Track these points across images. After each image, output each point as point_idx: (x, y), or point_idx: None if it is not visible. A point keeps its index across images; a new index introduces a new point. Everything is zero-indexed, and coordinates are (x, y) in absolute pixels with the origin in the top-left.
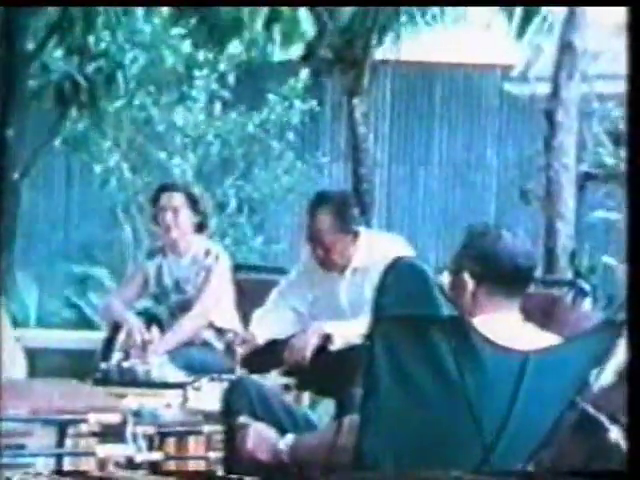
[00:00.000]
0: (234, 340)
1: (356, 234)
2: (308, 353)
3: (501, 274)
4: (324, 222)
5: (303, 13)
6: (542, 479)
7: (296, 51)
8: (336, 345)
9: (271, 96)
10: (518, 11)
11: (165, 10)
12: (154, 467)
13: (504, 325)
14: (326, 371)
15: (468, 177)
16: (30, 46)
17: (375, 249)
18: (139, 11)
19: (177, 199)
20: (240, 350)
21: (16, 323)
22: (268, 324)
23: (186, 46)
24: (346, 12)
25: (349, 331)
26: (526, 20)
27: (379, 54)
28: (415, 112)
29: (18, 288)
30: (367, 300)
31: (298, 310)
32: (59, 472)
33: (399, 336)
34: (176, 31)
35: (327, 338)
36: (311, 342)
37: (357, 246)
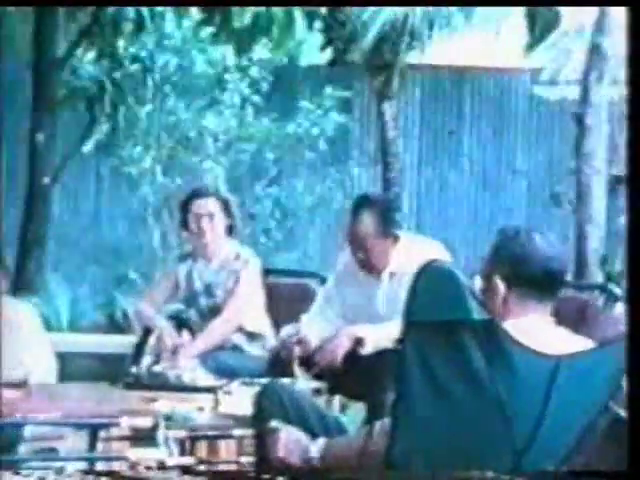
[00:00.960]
0: (290, 340)
1: (396, 238)
2: (339, 357)
3: (532, 278)
4: (367, 224)
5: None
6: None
7: (326, 56)
8: (368, 349)
9: (303, 103)
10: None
11: (194, 13)
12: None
13: (536, 329)
14: (357, 375)
15: (498, 181)
16: (60, 51)
17: (413, 254)
18: (169, 14)
19: (211, 205)
20: (297, 350)
21: (48, 327)
22: (317, 328)
23: (216, 50)
24: (376, 17)
25: (381, 335)
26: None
27: (409, 58)
28: (445, 116)
29: (50, 292)
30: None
31: (342, 314)
32: (91, 472)
33: (431, 340)
34: (205, 34)
35: (359, 342)
36: (343, 345)
37: (396, 250)
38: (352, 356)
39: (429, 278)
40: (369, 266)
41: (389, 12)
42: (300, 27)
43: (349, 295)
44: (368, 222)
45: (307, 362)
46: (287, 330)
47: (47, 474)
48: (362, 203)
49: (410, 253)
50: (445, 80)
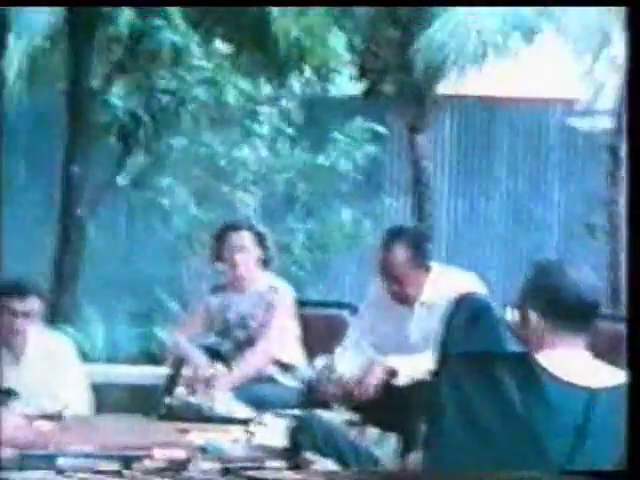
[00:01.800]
0: (325, 377)
1: (428, 268)
2: (373, 389)
3: (566, 309)
4: (400, 255)
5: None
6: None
7: (359, 87)
8: (401, 380)
9: (336, 135)
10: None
11: (224, 48)
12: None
13: (570, 361)
14: (391, 406)
15: (531, 211)
16: (95, 83)
17: (445, 284)
18: (197, 49)
19: (245, 238)
20: (331, 387)
21: (84, 358)
22: (350, 359)
23: (246, 82)
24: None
25: (414, 366)
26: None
27: (442, 89)
28: (477, 146)
29: (86, 323)
30: (435, 336)
31: (374, 344)
32: None
33: (465, 372)
34: (237, 66)
35: (392, 373)
36: (376, 377)
37: (428, 280)
38: (386, 387)
39: (465, 310)
40: (402, 297)
41: (424, 43)
42: (334, 58)
43: (381, 325)
44: (400, 253)
45: (341, 395)
46: (321, 362)
47: None
48: (394, 234)
49: (442, 283)
50: (478, 111)
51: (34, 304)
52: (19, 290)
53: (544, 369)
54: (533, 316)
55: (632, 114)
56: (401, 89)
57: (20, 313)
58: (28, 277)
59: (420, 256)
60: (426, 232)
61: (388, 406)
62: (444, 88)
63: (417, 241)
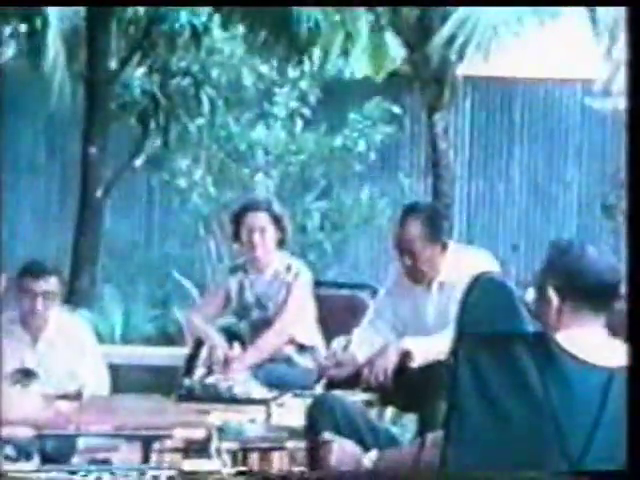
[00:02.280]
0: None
1: (445, 245)
2: (388, 373)
3: (586, 289)
4: (414, 230)
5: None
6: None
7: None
8: (416, 362)
9: (352, 115)
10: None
11: (241, 30)
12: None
13: (589, 341)
14: (409, 387)
15: (549, 192)
16: (113, 65)
17: (462, 263)
18: (217, 29)
19: (263, 219)
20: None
21: (101, 339)
22: (368, 340)
23: (264, 64)
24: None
25: (429, 347)
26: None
27: (459, 70)
28: (495, 127)
29: (103, 305)
30: (452, 316)
31: (393, 326)
32: None
33: (483, 352)
34: (254, 48)
35: (407, 355)
36: (391, 361)
37: (445, 258)
38: (403, 369)
39: (482, 290)
40: (417, 273)
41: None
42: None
43: (399, 307)
44: (415, 227)
45: (356, 378)
46: (338, 342)
47: None
48: (410, 209)
49: (459, 262)
50: (496, 91)
51: (54, 285)
52: (38, 271)
53: (563, 349)
54: (552, 296)
55: (632, 115)
56: (419, 69)
57: (40, 294)
58: (47, 258)
59: (435, 232)
60: (442, 209)
61: (406, 386)
62: (462, 68)
63: (433, 217)
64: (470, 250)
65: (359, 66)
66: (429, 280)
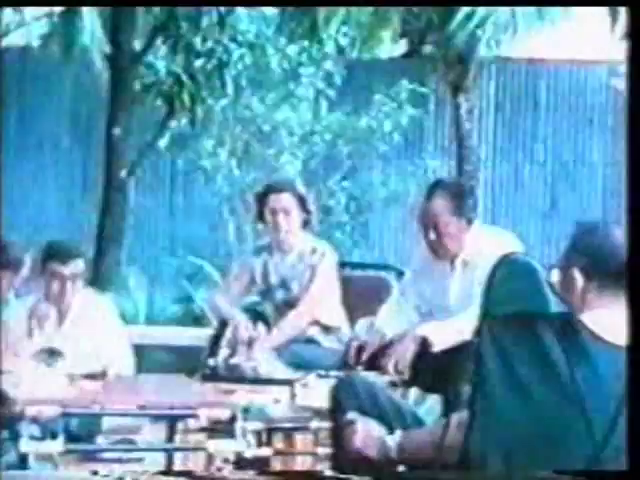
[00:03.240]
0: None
1: (470, 221)
2: (407, 362)
3: (611, 270)
4: (440, 204)
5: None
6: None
7: (401, 48)
8: (435, 348)
9: (378, 96)
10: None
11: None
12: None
13: (614, 322)
14: (433, 368)
15: (574, 173)
16: (137, 46)
17: (485, 242)
18: (241, 11)
19: (287, 200)
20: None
21: (126, 320)
22: (393, 321)
23: (290, 44)
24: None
25: (448, 332)
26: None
27: (484, 51)
28: (520, 108)
29: (128, 285)
30: (474, 296)
31: (418, 308)
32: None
33: (508, 333)
34: (280, 29)
35: (425, 342)
36: (409, 351)
37: (469, 236)
38: (422, 355)
39: (507, 270)
40: (441, 249)
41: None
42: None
43: (424, 287)
44: (441, 201)
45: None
46: (362, 324)
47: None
48: (436, 185)
49: (483, 242)
50: (521, 73)
51: (79, 267)
52: (63, 254)
53: (588, 329)
54: (577, 277)
55: (633, 114)
56: (443, 50)
57: (66, 277)
58: (72, 240)
59: (461, 206)
60: (467, 186)
61: (431, 367)
62: (487, 49)
63: (459, 192)
64: (493, 230)
65: (384, 46)
66: (452, 257)
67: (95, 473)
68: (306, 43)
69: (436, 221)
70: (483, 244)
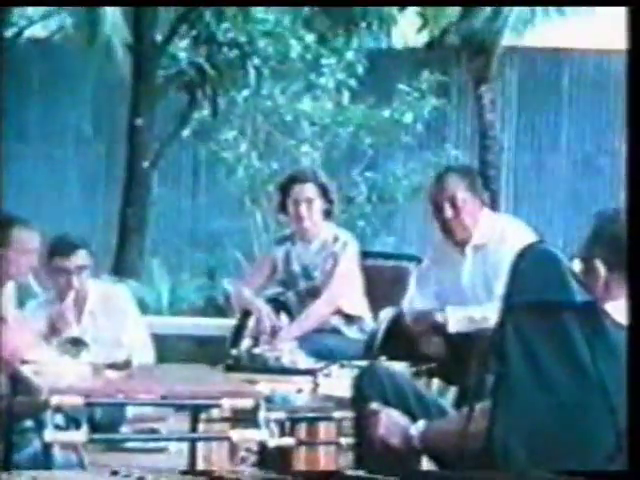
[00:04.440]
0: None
1: (483, 201)
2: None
3: None
4: (454, 182)
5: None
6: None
7: (422, 39)
8: (452, 329)
9: (400, 87)
10: None
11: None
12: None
13: None
14: (456, 357)
15: (596, 163)
16: (159, 37)
17: (496, 228)
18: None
19: (310, 190)
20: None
21: (149, 310)
22: (417, 308)
23: (311, 36)
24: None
25: (462, 315)
26: None
27: (506, 41)
28: (543, 98)
29: (151, 275)
30: (488, 282)
31: (437, 294)
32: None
33: (531, 322)
34: (300, 19)
35: (441, 326)
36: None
37: (482, 218)
38: (450, 338)
39: (531, 259)
40: (458, 226)
41: None
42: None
43: (440, 273)
44: (454, 180)
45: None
46: (386, 313)
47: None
48: (446, 169)
49: (493, 227)
50: (543, 62)
51: (83, 258)
52: (67, 247)
53: (612, 319)
54: (599, 267)
55: (633, 115)
56: (466, 40)
57: (72, 270)
58: (95, 230)
59: (473, 184)
60: (477, 170)
61: (453, 357)
62: (509, 39)
63: (469, 172)
64: (503, 217)
65: (406, 36)
66: (466, 240)
67: (115, 473)
68: (327, 33)
69: (453, 196)
70: (494, 229)
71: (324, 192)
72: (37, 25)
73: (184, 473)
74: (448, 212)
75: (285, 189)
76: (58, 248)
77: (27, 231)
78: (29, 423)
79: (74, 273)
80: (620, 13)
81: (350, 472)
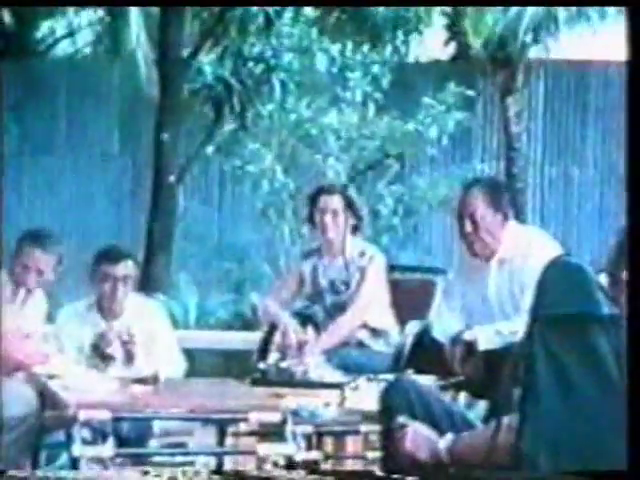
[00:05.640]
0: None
1: (506, 216)
2: (456, 366)
3: None
4: (476, 197)
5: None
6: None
7: (448, 51)
8: (481, 347)
9: (425, 100)
10: None
11: (310, 12)
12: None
13: None
14: (484, 371)
15: (623, 176)
16: (185, 52)
17: (522, 241)
18: (288, 13)
19: (336, 202)
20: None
21: (176, 324)
22: (445, 322)
23: (336, 48)
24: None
25: (491, 333)
26: None
27: (533, 53)
28: (569, 111)
29: (178, 289)
30: (515, 296)
31: (463, 308)
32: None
33: (559, 334)
34: (326, 33)
35: (471, 344)
36: (457, 355)
37: (506, 232)
38: (476, 353)
39: (559, 271)
40: (477, 242)
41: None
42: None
43: (466, 286)
44: (477, 194)
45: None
46: (412, 327)
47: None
48: (472, 181)
49: (518, 239)
50: (569, 75)
51: (131, 268)
52: (115, 256)
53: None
54: (625, 280)
55: (633, 112)
56: (492, 53)
57: (119, 278)
58: (122, 244)
59: (496, 200)
60: (504, 183)
61: (481, 370)
62: (535, 52)
63: (494, 186)
64: (529, 229)
65: (432, 49)
66: (489, 254)
67: (146, 473)
68: (353, 47)
69: (472, 212)
70: (519, 241)
71: (351, 206)
72: (65, 41)
73: (215, 473)
74: (468, 227)
75: (313, 200)
76: (106, 255)
77: (43, 253)
78: (57, 437)
79: (120, 281)
80: None
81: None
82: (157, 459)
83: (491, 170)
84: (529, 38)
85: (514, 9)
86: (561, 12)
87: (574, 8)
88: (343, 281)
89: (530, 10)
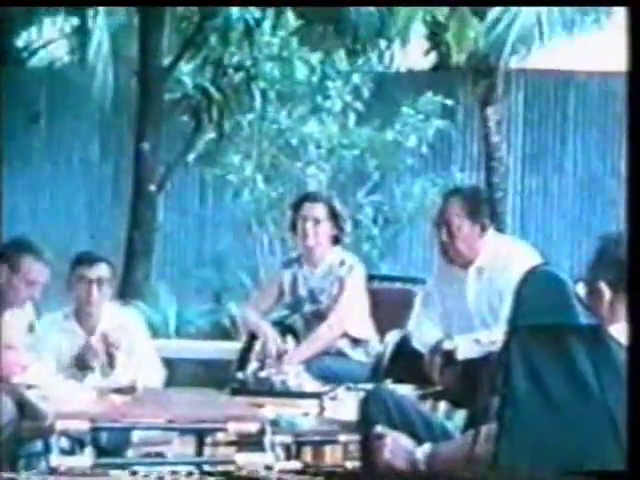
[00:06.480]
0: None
1: (484, 227)
2: (436, 375)
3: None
4: (454, 207)
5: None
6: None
7: (429, 61)
8: (460, 356)
9: (405, 109)
10: None
11: (291, 22)
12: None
13: None
14: (462, 380)
15: (603, 185)
16: (165, 61)
17: (501, 250)
18: (267, 22)
19: (319, 210)
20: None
21: (156, 333)
22: (424, 331)
23: (316, 57)
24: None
25: (470, 342)
26: None
27: (514, 62)
28: (549, 120)
29: (157, 298)
30: (494, 305)
31: (443, 316)
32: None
33: (537, 344)
34: (305, 42)
35: (450, 354)
36: (436, 364)
37: (484, 242)
38: (454, 363)
39: (536, 282)
40: (452, 251)
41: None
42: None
43: (445, 294)
44: (456, 204)
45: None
46: (391, 336)
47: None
48: (453, 190)
49: (498, 249)
50: (549, 84)
51: (105, 271)
52: (89, 259)
53: (617, 342)
54: (604, 289)
55: (632, 116)
56: (472, 63)
57: (93, 280)
58: (101, 253)
59: (475, 211)
60: (483, 192)
61: (459, 379)
62: (515, 61)
63: (474, 197)
64: (509, 239)
65: (412, 59)
66: (466, 263)
67: (134, 474)
68: (333, 56)
69: (449, 222)
70: (499, 251)
71: (334, 216)
72: (41, 51)
73: (204, 474)
74: (444, 236)
75: (296, 207)
76: (80, 260)
77: (38, 263)
78: (35, 447)
79: (94, 283)
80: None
81: None
82: (135, 469)
83: (471, 179)
84: (508, 48)
85: (500, 26)
86: (544, 21)
87: (557, 16)
88: (323, 290)
89: (515, 25)
